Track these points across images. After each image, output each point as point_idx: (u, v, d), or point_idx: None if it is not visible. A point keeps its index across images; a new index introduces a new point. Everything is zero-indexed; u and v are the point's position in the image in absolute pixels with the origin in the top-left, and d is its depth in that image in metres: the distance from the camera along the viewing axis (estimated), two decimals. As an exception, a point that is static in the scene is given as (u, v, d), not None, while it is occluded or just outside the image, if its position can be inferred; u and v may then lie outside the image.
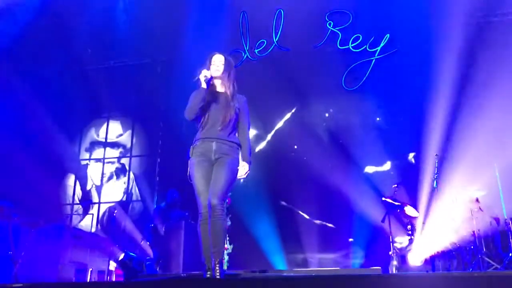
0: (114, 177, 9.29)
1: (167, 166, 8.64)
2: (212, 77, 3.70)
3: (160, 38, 8.92)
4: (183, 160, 8.33)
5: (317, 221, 7.85)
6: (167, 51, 9.00)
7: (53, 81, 9.08)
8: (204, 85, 3.62)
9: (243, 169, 3.71)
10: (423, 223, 6.26)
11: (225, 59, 3.81)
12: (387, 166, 7.72)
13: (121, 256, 6.11)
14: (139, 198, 8.98)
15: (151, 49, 9.10)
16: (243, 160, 3.74)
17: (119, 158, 9.40)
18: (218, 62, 3.78)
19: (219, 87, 3.79)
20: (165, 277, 4.52)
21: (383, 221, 6.41)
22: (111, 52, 9.31)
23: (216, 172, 3.58)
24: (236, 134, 3.78)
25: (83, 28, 9.04)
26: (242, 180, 3.77)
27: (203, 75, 3.63)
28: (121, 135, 9.51)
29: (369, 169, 7.84)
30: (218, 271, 3.39)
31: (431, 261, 5.87)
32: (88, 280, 5.86)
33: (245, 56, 8.72)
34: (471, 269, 5.54)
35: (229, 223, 6.75)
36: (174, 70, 8.70)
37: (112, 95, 9.17)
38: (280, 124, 8.55)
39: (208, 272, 3.48)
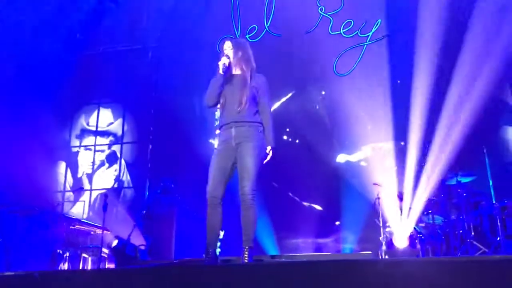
0: (106, 164, 9.27)
1: (159, 153, 8.61)
2: (230, 64, 3.73)
3: (151, 23, 8.85)
4: (175, 146, 8.37)
5: (306, 203, 7.90)
6: (158, 37, 8.91)
7: (43, 66, 8.97)
8: (221, 71, 3.66)
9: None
10: (410, 208, 6.34)
11: (233, 42, 3.85)
12: (379, 150, 7.72)
13: (115, 242, 6.12)
14: (131, 185, 8.98)
15: (142, 34, 9.01)
16: (266, 143, 3.69)
17: (110, 145, 9.36)
18: (227, 48, 3.82)
19: (234, 70, 3.80)
20: (159, 263, 4.55)
21: (374, 204, 6.47)
22: (102, 38, 9.19)
23: (240, 160, 3.57)
24: (257, 114, 3.74)
25: (73, 13, 8.95)
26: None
27: (222, 62, 3.67)
28: (111, 123, 9.45)
29: (360, 153, 7.84)
30: (246, 257, 3.44)
31: (420, 243, 5.94)
32: (80, 267, 5.88)
33: (236, 42, 8.66)
34: (459, 254, 5.63)
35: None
36: (165, 56, 8.65)
37: (102, 81, 9.09)
38: (272, 108, 8.51)
39: (207, 257, 3.51)
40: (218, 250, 3.61)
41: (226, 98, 3.69)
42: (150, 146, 8.84)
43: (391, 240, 6.11)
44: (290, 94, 8.47)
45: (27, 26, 8.71)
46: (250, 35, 8.71)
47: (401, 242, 5.99)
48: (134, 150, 9.21)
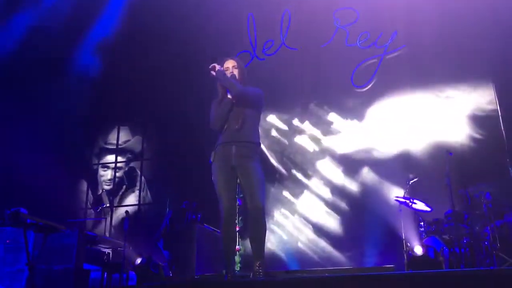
0: (125, 181, 9.34)
1: (179, 169, 8.62)
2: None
3: (170, 41, 8.98)
4: (196, 162, 8.43)
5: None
6: (177, 53, 9.02)
7: (65, 84, 9.15)
8: (230, 95, 3.67)
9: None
10: (435, 219, 6.25)
11: (238, 63, 3.85)
12: (399, 161, 7.60)
13: (138, 260, 6.13)
14: (151, 202, 9.02)
15: (161, 51, 9.14)
16: None
17: (129, 162, 9.45)
18: (231, 67, 3.81)
19: None
20: (182, 280, 4.56)
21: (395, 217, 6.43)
22: (123, 54, 9.34)
23: (246, 180, 3.62)
24: (257, 134, 3.79)
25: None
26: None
27: (217, 68, 3.67)
28: (129, 140, 9.56)
29: (381, 165, 7.72)
30: (260, 273, 3.45)
31: (445, 255, 5.81)
32: (103, 285, 5.91)
33: (253, 57, 8.75)
34: (482, 267, 5.50)
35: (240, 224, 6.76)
36: (185, 72, 8.74)
37: (123, 99, 9.22)
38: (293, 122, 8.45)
39: (229, 275, 3.51)
40: (238, 265, 3.60)
41: (228, 119, 3.72)
42: (171, 162, 8.85)
43: (410, 252, 6.01)
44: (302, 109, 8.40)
45: (46, 46, 8.94)
46: (267, 49, 8.77)
47: (418, 250, 5.90)
48: (155, 167, 9.28)
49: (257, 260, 3.49)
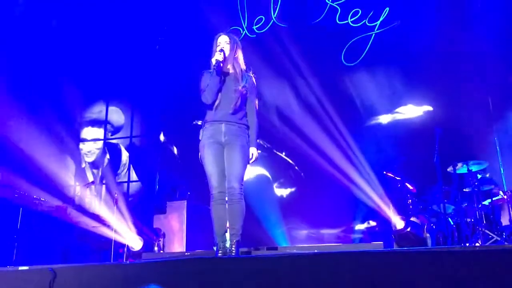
0: (107, 155, 9.27)
1: (168, 147, 8.58)
2: (224, 61, 3.70)
3: (159, 16, 8.84)
4: (186, 140, 8.41)
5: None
6: (165, 29, 8.89)
7: (52, 58, 9.01)
8: (213, 67, 3.64)
9: (251, 155, 3.77)
10: (423, 197, 6.33)
11: (230, 38, 3.81)
12: (389, 138, 7.60)
13: (140, 243, 6.06)
14: (137, 179, 8.97)
15: (150, 27, 9.00)
16: (250, 144, 3.77)
17: (117, 138, 9.37)
18: (223, 42, 3.78)
19: (228, 67, 3.79)
20: (173, 257, 4.58)
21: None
22: (111, 30, 9.19)
23: (230, 157, 3.64)
24: (245, 115, 3.80)
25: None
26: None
27: (215, 58, 3.65)
28: (117, 116, 9.47)
29: (370, 142, 7.74)
30: (234, 251, 3.50)
31: (431, 232, 5.89)
32: (93, 262, 5.93)
33: (243, 33, 8.67)
34: (467, 244, 5.59)
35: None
36: (173, 48, 8.64)
37: (110, 75, 9.11)
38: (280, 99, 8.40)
39: (220, 251, 3.54)
40: (228, 242, 3.63)
41: (221, 97, 3.70)
42: (160, 140, 8.81)
43: (395, 226, 6.10)
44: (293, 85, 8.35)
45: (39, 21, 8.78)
46: (257, 26, 8.68)
47: (399, 224, 6.00)
48: (143, 144, 9.22)
49: (234, 239, 3.55)
